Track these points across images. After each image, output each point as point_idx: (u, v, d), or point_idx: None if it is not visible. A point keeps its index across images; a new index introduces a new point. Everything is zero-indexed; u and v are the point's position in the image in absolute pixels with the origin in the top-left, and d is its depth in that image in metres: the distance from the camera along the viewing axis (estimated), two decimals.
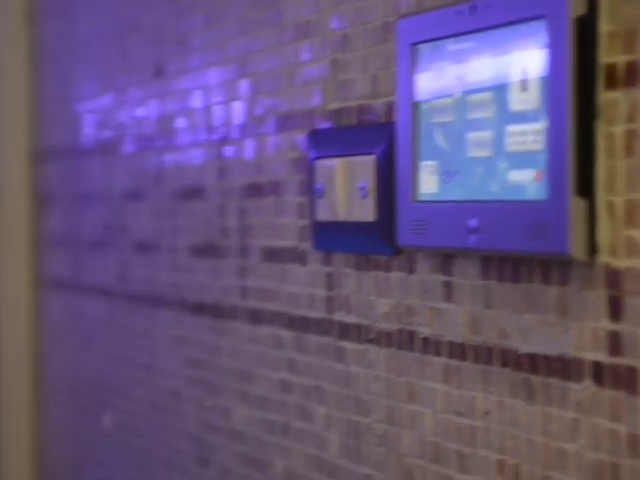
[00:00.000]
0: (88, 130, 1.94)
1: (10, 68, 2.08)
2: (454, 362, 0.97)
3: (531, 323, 0.86)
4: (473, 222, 0.87)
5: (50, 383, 2.14)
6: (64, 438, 2.08)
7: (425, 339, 1.01)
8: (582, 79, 0.77)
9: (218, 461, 1.51)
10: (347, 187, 1.12)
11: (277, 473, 1.35)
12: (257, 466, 1.41)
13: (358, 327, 1.13)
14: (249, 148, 1.41)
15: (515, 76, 0.82)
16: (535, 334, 0.86)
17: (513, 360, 0.88)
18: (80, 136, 1.96)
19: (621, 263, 0.75)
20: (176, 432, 1.63)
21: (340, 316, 1.17)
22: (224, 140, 1.49)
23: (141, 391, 1.77)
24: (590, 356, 0.79)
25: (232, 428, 1.48)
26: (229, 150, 1.47)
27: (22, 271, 2.07)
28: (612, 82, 0.75)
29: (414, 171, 0.96)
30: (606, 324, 0.77)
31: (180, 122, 1.65)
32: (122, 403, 1.85)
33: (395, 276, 1.06)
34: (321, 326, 1.22)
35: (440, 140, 0.94)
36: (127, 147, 1.82)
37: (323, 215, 1.18)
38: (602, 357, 0.77)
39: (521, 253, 0.82)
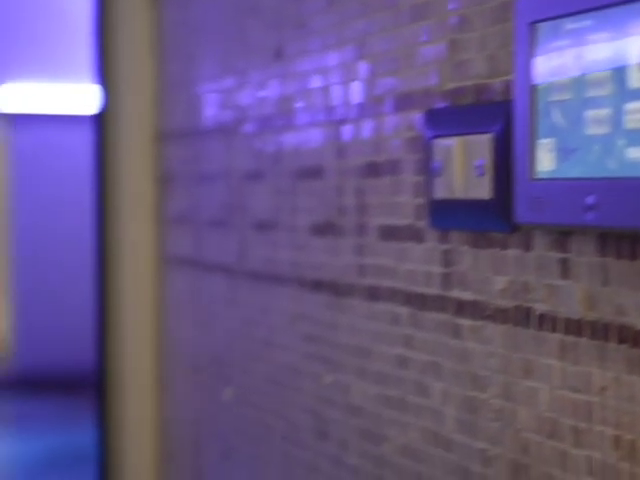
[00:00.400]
0: (209, 112, 1.98)
1: (134, 51, 2.13)
2: (570, 338, 0.98)
3: None
4: (590, 199, 0.88)
5: (173, 359, 2.19)
6: (186, 412, 2.13)
7: (541, 316, 1.03)
8: None
9: (336, 435, 1.54)
10: (464, 165, 1.14)
11: (394, 447, 1.37)
12: (374, 440, 1.42)
13: (474, 304, 1.15)
14: (367, 128, 1.44)
15: (634, 54, 0.81)
16: None
17: (631, 337, 0.89)
18: (202, 118, 2.00)
19: None
20: (295, 407, 1.66)
21: (456, 293, 1.19)
22: (342, 120, 1.52)
23: (260, 367, 1.82)
24: None
25: (350, 403, 1.51)
26: (347, 130, 1.51)
27: (146, 249, 2.12)
28: None
29: (531, 149, 0.98)
30: None
31: (299, 103, 1.68)
32: (242, 378, 1.90)
33: (511, 253, 1.07)
34: (437, 303, 1.24)
35: (558, 118, 0.95)
36: (247, 128, 1.85)
37: (440, 193, 1.20)
38: None
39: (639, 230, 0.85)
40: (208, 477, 1.89)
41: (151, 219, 2.12)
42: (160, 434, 2.20)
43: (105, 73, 2.10)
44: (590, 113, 0.90)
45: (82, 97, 9.71)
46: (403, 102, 1.33)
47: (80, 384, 9.51)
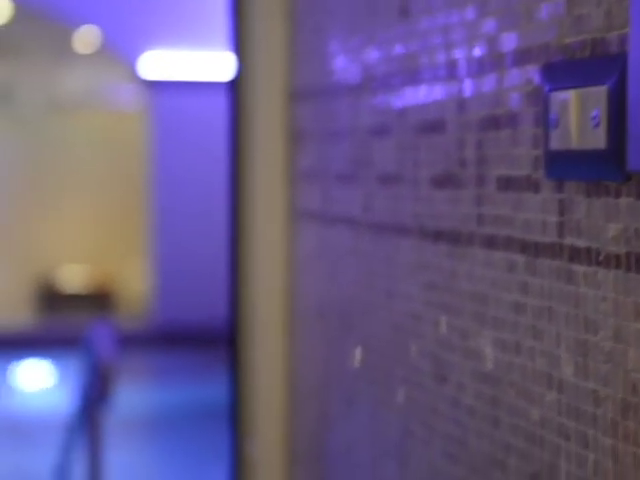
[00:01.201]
0: (338, 71, 2.01)
1: (268, 14, 2.15)
2: None
3: None
4: None
5: (301, 310, 2.21)
6: (313, 360, 2.17)
7: None
8: None
9: (454, 379, 1.56)
10: (580, 117, 1.16)
11: (509, 389, 1.38)
12: (490, 382, 1.44)
13: (588, 251, 1.17)
14: (487, 83, 1.46)
15: None
16: None
17: None
18: (331, 77, 2.03)
19: None
20: (415, 352, 1.68)
21: (570, 241, 1.21)
22: (464, 76, 1.53)
23: (383, 315, 1.84)
24: None
25: (468, 347, 1.52)
26: (468, 85, 1.52)
27: (277, 204, 2.16)
28: None
29: None
30: None
31: (423, 60, 1.69)
32: (365, 327, 1.92)
33: (624, 201, 1.09)
34: (552, 250, 1.26)
35: None
36: (373, 86, 1.88)
37: (556, 145, 1.22)
38: None
39: None
40: (333, 423, 1.93)
41: (282, 176, 2.15)
42: (288, 383, 2.23)
43: (240, 37, 2.11)
44: None
45: (220, 64, 9.63)
46: (522, 57, 1.34)
47: (215, 338, 9.55)
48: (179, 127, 9.59)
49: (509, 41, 1.39)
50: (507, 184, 1.40)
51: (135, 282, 11.07)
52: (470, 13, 1.51)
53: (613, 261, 1.13)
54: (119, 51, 9.60)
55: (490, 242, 1.45)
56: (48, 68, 12.80)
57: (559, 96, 1.21)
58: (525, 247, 1.34)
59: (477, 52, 1.50)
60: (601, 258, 1.15)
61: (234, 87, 2.10)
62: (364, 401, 1.82)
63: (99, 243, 11.38)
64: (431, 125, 1.64)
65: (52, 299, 11.23)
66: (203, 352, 9.49)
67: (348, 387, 1.86)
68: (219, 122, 10.28)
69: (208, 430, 7.33)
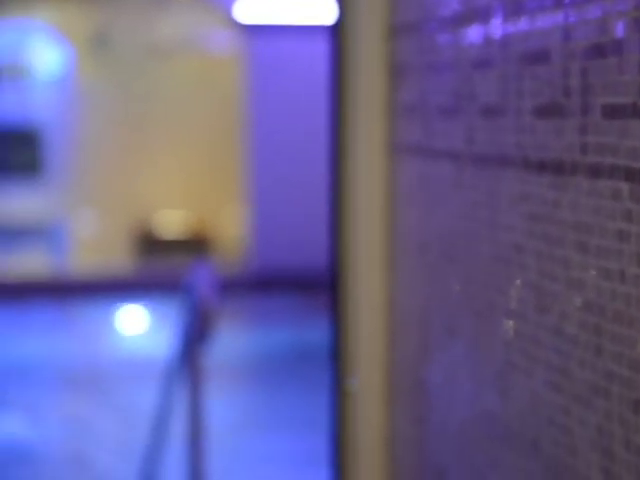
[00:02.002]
0: (439, 4, 2.00)
1: None
2: None
3: None
4: None
5: (402, 244, 2.21)
6: (413, 293, 2.17)
7: None
8: None
9: (557, 308, 1.57)
10: None
11: (611, 316, 1.38)
12: (594, 311, 1.45)
13: None
14: (593, 11, 1.45)
15: None
16: None
17: None
18: (432, 11, 2.02)
19: None
20: (518, 283, 1.67)
21: None
22: (569, 5, 1.53)
23: (485, 247, 1.84)
24: None
25: (570, 277, 1.53)
26: (573, 14, 1.52)
27: (377, 139, 2.15)
28: None
29: None
30: None
31: None
32: (467, 259, 1.93)
33: None
34: None
35: None
36: (476, 18, 1.86)
37: None
38: None
39: None
40: (433, 355, 1.94)
41: (382, 110, 2.13)
42: (389, 318, 2.23)
43: None
44: None
45: (316, 7, 9.70)
46: None
47: (312, 281, 9.70)
48: (275, 71, 9.75)
49: None
50: (612, 112, 1.40)
51: (232, 227, 11.26)
52: None
53: None
54: (217, 1, 10.21)
55: (594, 171, 1.46)
56: (145, 13, 12.92)
57: None
58: (630, 175, 1.35)
59: None
60: None
61: (335, 26, 2.10)
62: (465, 332, 1.83)
63: (196, 189, 11.49)
64: (535, 55, 1.64)
65: (150, 244, 11.41)
66: (300, 295, 9.67)
67: (449, 319, 1.88)
68: (316, 66, 10.10)
69: (307, 370, 7.52)
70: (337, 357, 2.02)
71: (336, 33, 2.06)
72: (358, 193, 2.01)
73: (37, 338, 8.59)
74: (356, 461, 1.94)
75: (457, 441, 1.75)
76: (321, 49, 10.04)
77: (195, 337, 3.54)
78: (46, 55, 12.72)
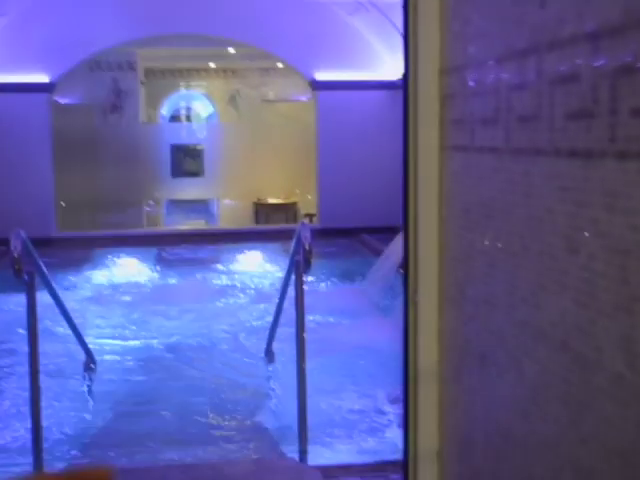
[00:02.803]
0: (481, 49, 1.98)
1: (427, 22, 2.19)
2: None
3: None
4: None
5: (450, 208, 2.23)
6: (460, 242, 2.20)
7: None
8: None
9: (585, 251, 1.50)
10: None
11: (636, 256, 1.31)
12: (620, 253, 1.37)
13: None
14: (621, 42, 1.33)
15: None
16: None
17: None
18: (474, 53, 2.02)
19: None
20: (549, 233, 1.64)
21: None
22: (598, 37, 1.42)
23: (520, 210, 1.82)
24: None
25: (598, 230, 1.47)
26: (603, 45, 1.42)
27: (434, 142, 2.27)
28: None
29: None
30: None
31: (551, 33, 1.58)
32: (503, 217, 1.91)
33: None
34: None
35: None
36: (513, 58, 1.81)
37: None
38: None
39: None
40: (475, 280, 1.97)
41: (437, 123, 2.24)
42: (441, 255, 2.27)
43: (408, 40, 2.23)
44: None
45: (366, 72, 10.76)
46: None
47: (353, 233, 11.06)
48: (333, 110, 11.02)
49: None
50: (638, 113, 1.28)
51: (310, 202, 12.76)
52: None
53: None
54: (301, 70, 11.21)
55: (622, 155, 1.37)
56: (259, 79, 14.71)
57: None
58: None
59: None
60: None
61: (405, 68, 2.17)
62: (502, 267, 1.79)
63: (289, 181, 13.27)
64: (566, 77, 1.55)
65: (263, 210, 13.23)
66: (345, 240, 10.83)
67: (489, 257, 1.85)
68: (359, 105, 11.16)
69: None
70: (406, 278, 2.12)
71: (406, 73, 2.10)
72: (420, 177, 2.09)
73: (201, 267, 9.70)
74: (418, 348, 2.16)
75: (496, 336, 1.77)
76: (364, 96, 11.06)
77: (302, 263, 4.21)
78: (204, 108, 15.37)
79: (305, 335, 4.27)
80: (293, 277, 4.42)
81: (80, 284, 8.96)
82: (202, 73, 15.65)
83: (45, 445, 4.09)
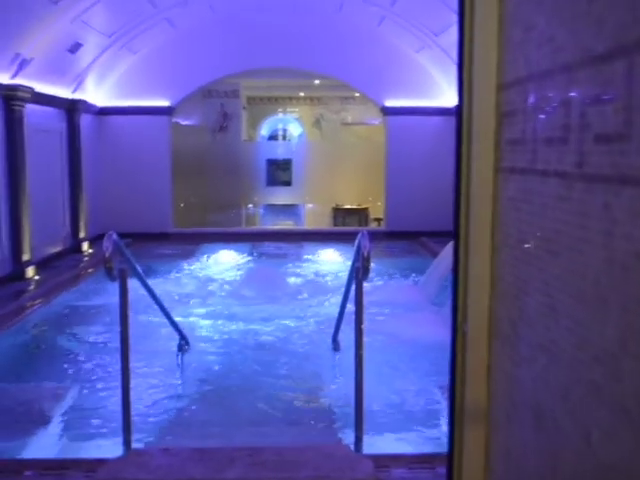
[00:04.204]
0: (534, 64, 1.42)
1: (483, 34, 1.66)
2: None
3: None
4: None
5: (504, 235, 1.69)
6: (512, 270, 1.63)
7: None
8: None
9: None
10: None
11: None
12: None
13: None
14: None
15: None
16: None
17: None
18: (529, 68, 1.46)
19: None
20: (636, 280, 1.08)
21: None
22: None
23: (597, 250, 1.26)
24: None
25: None
26: None
27: (488, 163, 1.70)
28: None
29: None
30: None
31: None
32: (571, 253, 1.34)
33: None
34: None
35: None
36: (559, 73, 1.24)
37: None
38: None
39: None
40: (528, 312, 1.52)
41: (493, 144, 1.68)
42: (492, 285, 1.73)
43: (463, 60, 1.70)
44: None
45: (427, 101, 10.24)
46: None
47: (415, 236, 10.42)
48: (399, 131, 10.71)
49: None
50: None
51: (378, 208, 12.28)
52: None
53: None
54: (373, 98, 10.91)
55: None
56: (340, 106, 14.39)
57: None
58: None
59: None
60: None
61: (459, 90, 1.67)
62: (567, 313, 1.29)
63: (362, 189, 12.88)
64: None
65: (339, 214, 12.89)
66: (409, 241, 10.47)
67: (549, 299, 1.35)
68: (425, 130, 10.71)
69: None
70: (455, 304, 1.69)
71: (459, 89, 1.64)
72: (472, 201, 1.62)
73: (286, 259, 9.30)
74: (465, 384, 1.67)
75: (556, 390, 1.30)
76: (425, 120, 10.55)
77: (361, 270, 3.69)
78: (295, 128, 15.97)
79: (364, 330, 3.81)
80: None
81: (189, 271, 8.84)
82: (293, 100, 15.43)
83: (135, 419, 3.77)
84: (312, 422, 4.19)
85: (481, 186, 1.64)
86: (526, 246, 1.47)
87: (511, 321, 1.55)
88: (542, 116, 1.39)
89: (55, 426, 3.98)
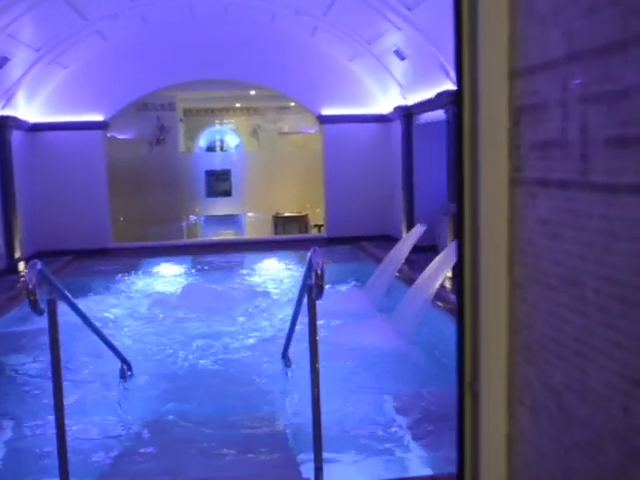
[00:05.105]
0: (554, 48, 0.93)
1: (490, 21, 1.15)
2: None
3: None
4: None
5: (525, 264, 1.21)
6: (539, 312, 1.16)
7: None
8: None
9: None
10: None
11: None
12: None
13: None
14: None
15: None
16: None
17: None
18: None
19: None
20: None
21: None
22: None
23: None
24: None
25: None
26: None
27: (501, 172, 1.20)
28: None
29: None
30: None
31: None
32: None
33: None
34: None
35: None
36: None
37: None
38: None
39: None
40: (561, 397, 1.05)
41: (505, 148, 1.18)
42: (511, 335, 1.22)
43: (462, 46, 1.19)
44: None
45: (361, 109, 9.94)
46: None
47: (355, 241, 10.13)
48: (336, 138, 10.39)
49: None
50: None
51: (318, 214, 12.03)
52: None
53: None
54: (309, 107, 10.55)
55: None
56: (276, 116, 14.00)
57: None
58: None
59: None
60: None
61: (458, 82, 1.21)
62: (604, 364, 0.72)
63: (301, 197, 12.49)
64: None
65: (280, 222, 12.52)
66: (350, 246, 10.06)
67: (581, 343, 0.89)
68: (361, 137, 10.35)
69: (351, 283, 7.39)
70: (460, 357, 1.25)
71: (458, 82, 1.22)
72: (482, 223, 1.18)
73: (228, 271, 8.77)
74: (479, 457, 1.23)
75: (602, 468, 0.72)
76: (361, 127, 10.23)
77: (314, 289, 3.22)
78: (232, 139, 16.12)
79: (319, 360, 3.35)
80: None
81: (129, 287, 8.34)
82: (230, 111, 14.98)
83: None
84: (267, 450, 3.76)
85: (492, 203, 1.21)
86: (573, 288, 1.04)
87: (547, 386, 1.13)
88: (599, 108, 0.97)
89: None
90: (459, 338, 1.28)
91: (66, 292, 3.60)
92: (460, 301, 1.26)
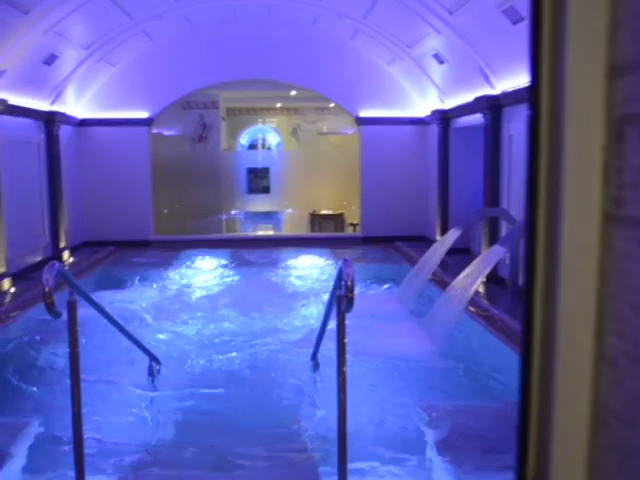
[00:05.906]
0: None
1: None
2: None
3: None
4: None
5: (613, 346, 0.82)
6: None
7: None
8: None
9: None
10: None
11: None
12: None
13: None
14: None
15: None
16: None
17: None
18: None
19: None
20: None
21: None
22: None
23: None
24: None
25: None
26: None
27: (589, 204, 0.83)
28: None
29: None
30: None
31: None
32: None
33: None
34: None
35: None
36: None
37: None
38: None
39: None
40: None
41: (596, 173, 0.81)
42: (595, 408, 0.85)
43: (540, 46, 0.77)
44: None
45: (398, 111, 9.68)
46: None
47: (390, 240, 9.73)
48: (373, 140, 10.01)
49: None
50: None
51: (353, 212, 11.74)
52: None
53: None
54: (348, 109, 10.19)
55: None
56: (316, 116, 13.73)
57: None
58: None
59: None
60: None
61: (533, 84, 0.85)
62: None
63: (338, 196, 12.18)
64: None
65: (316, 220, 12.23)
66: (384, 246, 9.83)
67: None
68: (397, 139, 9.94)
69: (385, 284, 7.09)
70: (523, 453, 0.87)
71: (533, 83, 0.86)
72: (561, 271, 0.83)
73: (265, 267, 8.52)
74: None
75: None
76: (398, 129, 9.85)
77: (344, 301, 2.87)
78: (273, 138, 15.82)
79: (346, 372, 3.06)
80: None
81: (168, 279, 8.12)
82: (271, 111, 14.67)
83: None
84: (294, 460, 3.52)
85: (575, 251, 0.84)
86: None
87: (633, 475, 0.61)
88: None
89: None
90: (521, 424, 0.90)
91: (89, 293, 3.41)
92: (524, 376, 0.91)
